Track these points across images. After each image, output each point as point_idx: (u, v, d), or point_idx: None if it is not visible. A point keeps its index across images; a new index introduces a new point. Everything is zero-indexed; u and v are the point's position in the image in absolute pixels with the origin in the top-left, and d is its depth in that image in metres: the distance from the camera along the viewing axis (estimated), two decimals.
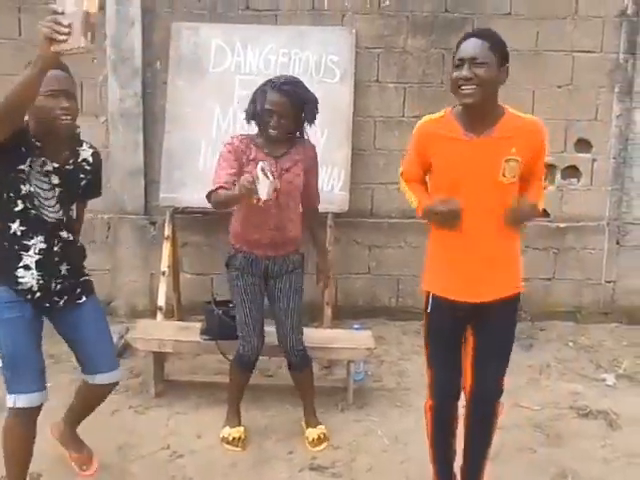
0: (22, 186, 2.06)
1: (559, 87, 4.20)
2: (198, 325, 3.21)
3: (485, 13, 4.12)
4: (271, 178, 2.29)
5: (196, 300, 3.91)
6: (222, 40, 3.95)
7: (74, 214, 2.24)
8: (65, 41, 1.70)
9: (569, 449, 2.79)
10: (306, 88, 2.61)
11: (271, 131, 2.54)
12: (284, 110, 2.51)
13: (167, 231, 3.82)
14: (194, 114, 3.90)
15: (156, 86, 4.12)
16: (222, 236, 4.22)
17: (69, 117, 2.05)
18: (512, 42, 4.08)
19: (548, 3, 4.12)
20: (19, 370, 2.10)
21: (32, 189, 2.07)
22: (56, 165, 2.14)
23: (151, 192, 4.18)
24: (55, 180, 2.14)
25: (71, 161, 2.19)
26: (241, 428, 2.79)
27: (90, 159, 2.26)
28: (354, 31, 4.03)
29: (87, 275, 2.34)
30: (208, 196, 2.55)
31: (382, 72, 4.17)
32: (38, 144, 2.08)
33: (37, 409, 2.14)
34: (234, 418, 2.82)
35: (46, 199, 2.11)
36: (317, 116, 2.66)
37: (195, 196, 3.82)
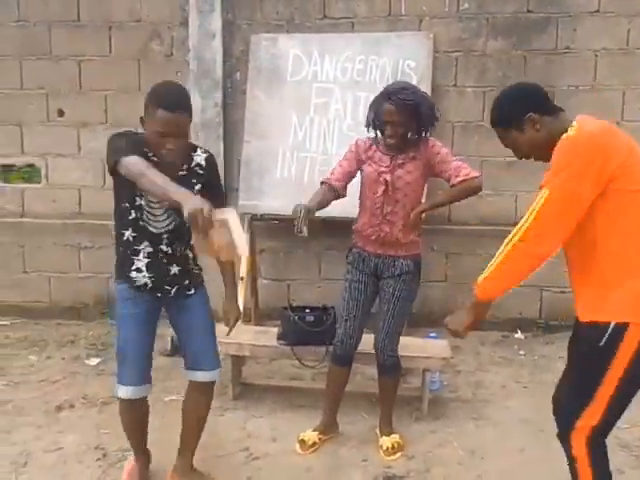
0: (137, 198, 2.20)
1: None
2: (275, 330, 3.27)
3: (571, 12, 3.96)
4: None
5: (272, 305, 3.98)
6: (300, 50, 4.02)
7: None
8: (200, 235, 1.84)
9: None
10: (418, 94, 2.67)
11: (388, 140, 2.68)
12: (397, 119, 2.62)
13: (245, 237, 3.92)
14: (272, 123, 3.99)
15: (236, 96, 4.25)
16: (298, 243, 4.32)
17: (171, 155, 2.13)
18: (601, 41, 4.01)
19: None
20: (124, 364, 2.30)
21: (143, 202, 2.21)
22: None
23: (230, 199, 4.28)
24: None
25: (184, 167, 2.26)
26: (314, 434, 2.81)
27: (203, 163, 2.31)
28: (432, 35, 3.98)
29: (198, 269, 2.43)
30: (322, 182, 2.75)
31: (460, 76, 4.10)
32: (155, 159, 2.14)
33: (137, 401, 2.33)
34: (321, 422, 2.86)
35: (153, 214, 2.23)
36: (437, 116, 2.73)
37: (273, 203, 3.92)
